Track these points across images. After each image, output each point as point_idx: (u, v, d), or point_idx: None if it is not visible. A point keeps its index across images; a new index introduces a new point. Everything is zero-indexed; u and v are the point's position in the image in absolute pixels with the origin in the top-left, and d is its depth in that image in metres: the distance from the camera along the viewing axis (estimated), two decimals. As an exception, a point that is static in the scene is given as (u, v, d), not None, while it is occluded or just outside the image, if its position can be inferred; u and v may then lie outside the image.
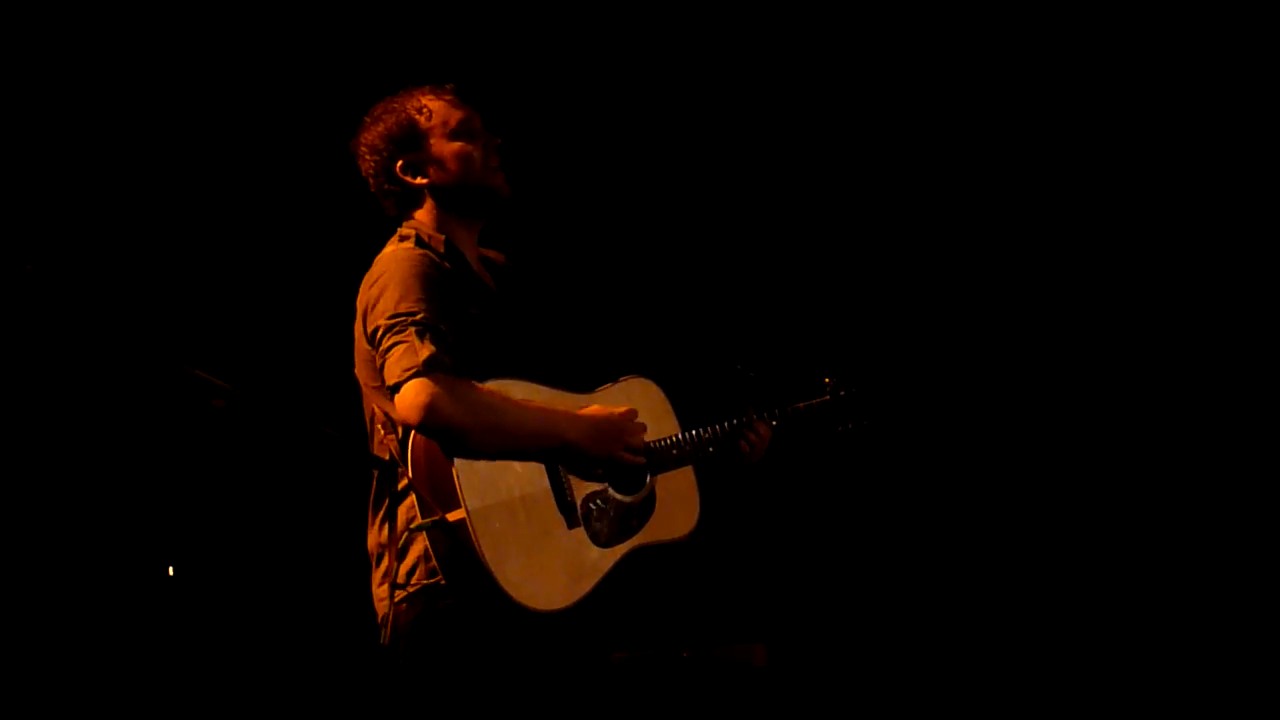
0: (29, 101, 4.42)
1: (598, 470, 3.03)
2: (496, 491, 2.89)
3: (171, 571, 4.32)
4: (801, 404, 3.39)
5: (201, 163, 4.62)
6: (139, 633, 4.37)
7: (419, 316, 2.89)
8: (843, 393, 3.43)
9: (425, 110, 3.12)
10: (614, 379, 3.18)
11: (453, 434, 2.84)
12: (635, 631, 4.22)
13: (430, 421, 2.82)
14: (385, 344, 2.89)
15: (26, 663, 4.27)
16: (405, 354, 2.85)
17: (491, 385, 2.93)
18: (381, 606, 2.99)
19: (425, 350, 2.85)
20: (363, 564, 3.13)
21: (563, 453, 2.97)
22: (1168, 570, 4.68)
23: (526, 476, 2.95)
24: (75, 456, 4.44)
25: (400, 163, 3.12)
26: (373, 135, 3.13)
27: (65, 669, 4.32)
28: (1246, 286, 4.66)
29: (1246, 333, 4.65)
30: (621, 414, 3.05)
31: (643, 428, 3.08)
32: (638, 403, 3.15)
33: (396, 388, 2.85)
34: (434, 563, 2.90)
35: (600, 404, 3.10)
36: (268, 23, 4.60)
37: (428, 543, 2.90)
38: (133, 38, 4.50)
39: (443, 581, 2.90)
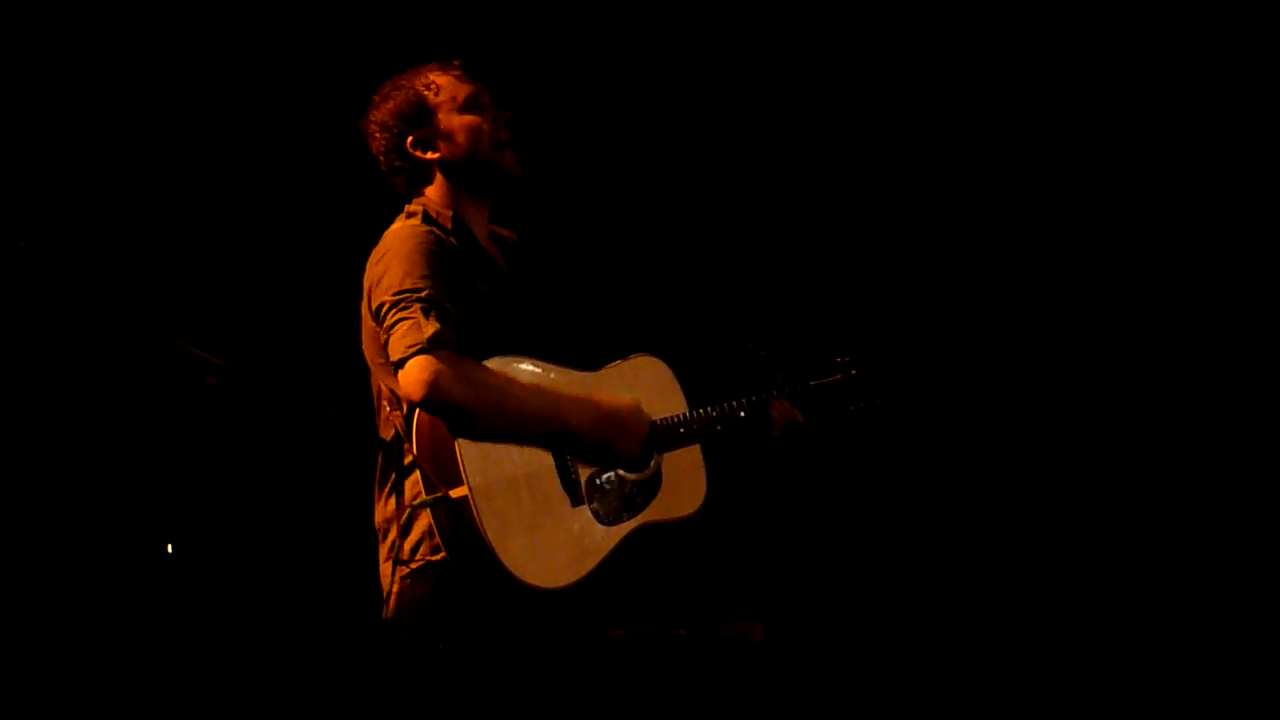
0: (18, 76, 4.37)
1: (596, 457, 3.01)
2: (500, 468, 2.89)
3: (170, 549, 4.30)
4: (814, 382, 3.42)
5: (200, 135, 4.58)
6: (136, 613, 4.35)
7: (424, 293, 2.89)
8: (855, 372, 3.47)
9: (433, 85, 3.13)
10: (622, 356, 3.18)
11: (456, 412, 2.83)
12: (634, 609, 4.23)
13: (433, 398, 2.82)
14: (390, 320, 2.89)
15: (21, 635, 4.26)
16: (410, 330, 2.85)
17: (496, 362, 2.92)
18: (387, 582, 3.00)
19: (430, 327, 2.84)
20: (365, 543, 3.13)
21: (564, 438, 2.96)
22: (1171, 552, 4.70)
23: (530, 454, 2.95)
24: (67, 434, 4.41)
25: (410, 138, 3.13)
26: (382, 113, 3.14)
27: (58, 645, 4.30)
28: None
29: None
30: (628, 404, 3.03)
31: (647, 420, 3.06)
32: (645, 380, 3.16)
33: (401, 364, 2.84)
34: (438, 539, 2.90)
35: (608, 382, 3.11)
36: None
37: (432, 519, 2.90)
38: (124, 6, 4.46)
39: (446, 558, 2.90)
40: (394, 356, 2.86)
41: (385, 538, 3.03)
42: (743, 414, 3.24)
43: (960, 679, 4.77)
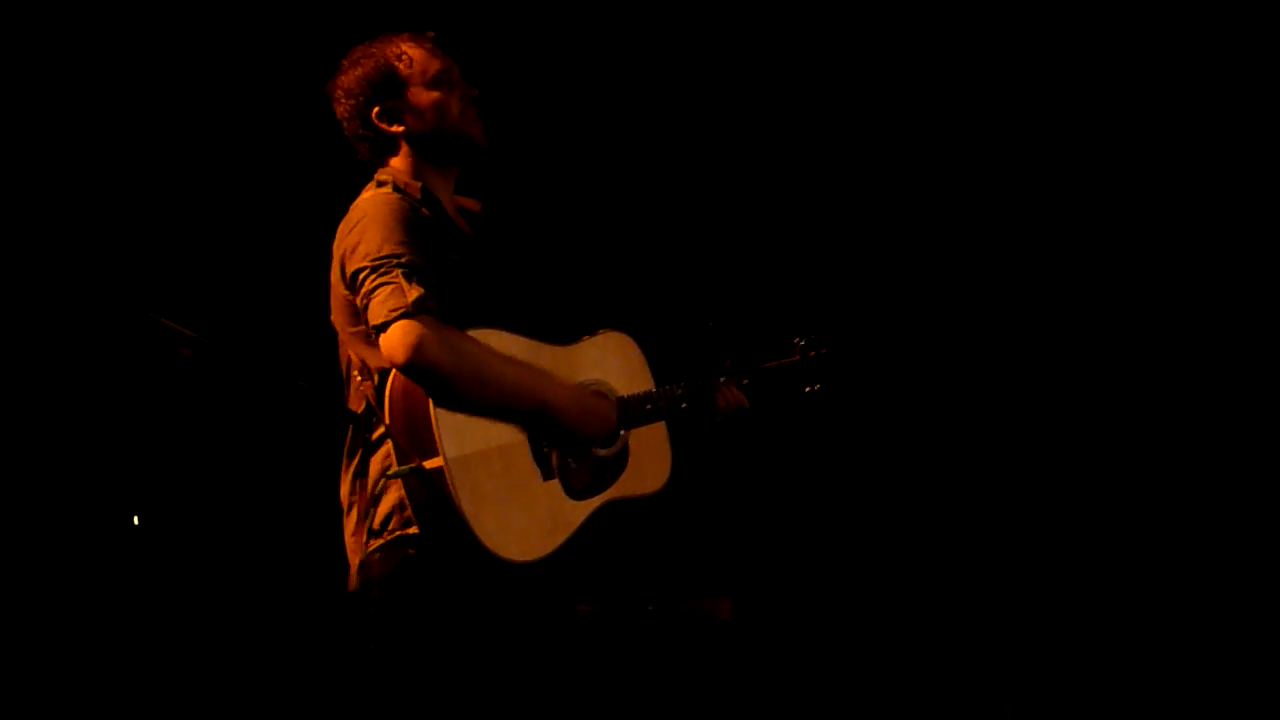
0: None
1: (567, 437, 3.01)
2: (474, 440, 2.88)
3: (136, 521, 4.30)
4: (772, 363, 3.43)
5: (169, 108, 4.56)
6: (103, 587, 4.35)
7: (404, 259, 2.86)
8: (812, 354, 3.47)
9: (405, 57, 3.10)
10: (591, 332, 3.18)
11: (437, 377, 2.81)
12: (602, 584, 4.25)
13: (417, 362, 2.79)
14: (369, 285, 2.86)
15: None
16: (392, 295, 2.82)
17: (474, 334, 2.90)
18: (355, 556, 2.99)
19: (414, 292, 2.82)
20: (335, 515, 3.13)
21: (538, 415, 2.95)
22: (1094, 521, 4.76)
23: (504, 426, 2.93)
24: (38, 407, 4.39)
25: (377, 109, 3.10)
26: (350, 79, 3.11)
27: (28, 621, 4.30)
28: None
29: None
30: (608, 404, 3.06)
31: (615, 405, 3.08)
32: (615, 356, 3.17)
33: (383, 328, 2.81)
34: (409, 512, 2.89)
35: (581, 357, 3.11)
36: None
37: (403, 491, 2.90)
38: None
39: (417, 531, 2.89)
40: (375, 321, 2.83)
41: (351, 511, 3.02)
42: (684, 404, 3.22)
43: (927, 656, 4.81)
